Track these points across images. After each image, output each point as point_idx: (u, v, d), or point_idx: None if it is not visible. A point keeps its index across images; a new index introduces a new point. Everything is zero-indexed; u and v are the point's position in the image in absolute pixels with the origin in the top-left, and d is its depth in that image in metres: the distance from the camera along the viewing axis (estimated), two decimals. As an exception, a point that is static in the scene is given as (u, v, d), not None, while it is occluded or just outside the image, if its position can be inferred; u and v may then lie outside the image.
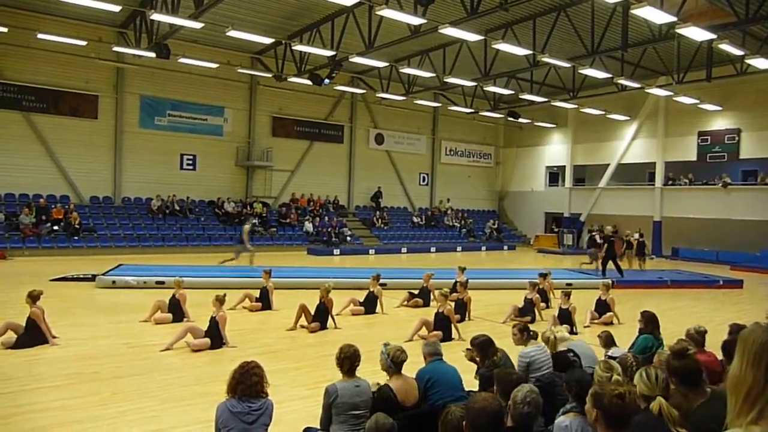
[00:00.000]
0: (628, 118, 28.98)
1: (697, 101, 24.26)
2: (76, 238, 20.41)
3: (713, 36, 15.48)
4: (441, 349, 5.07)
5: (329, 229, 25.98)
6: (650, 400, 3.07)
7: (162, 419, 5.53)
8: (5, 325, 8.00)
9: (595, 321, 10.96)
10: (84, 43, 20.06)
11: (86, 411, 5.64)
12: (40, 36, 19.11)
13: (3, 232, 19.50)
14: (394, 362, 4.57)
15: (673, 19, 14.25)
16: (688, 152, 27.16)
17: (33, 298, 8.15)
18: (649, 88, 22.92)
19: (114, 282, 13.47)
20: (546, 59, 18.85)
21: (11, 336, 7.95)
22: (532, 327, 9.59)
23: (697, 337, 5.25)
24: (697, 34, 15.14)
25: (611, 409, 2.84)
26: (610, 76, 21.16)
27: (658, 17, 14.10)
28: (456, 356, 5.95)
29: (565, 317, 10.05)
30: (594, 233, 20.85)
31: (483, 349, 5.18)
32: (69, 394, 6.13)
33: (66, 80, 21.92)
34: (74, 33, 20.11)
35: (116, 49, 20.84)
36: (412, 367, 4.97)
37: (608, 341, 6.43)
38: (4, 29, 18.84)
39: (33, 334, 7.99)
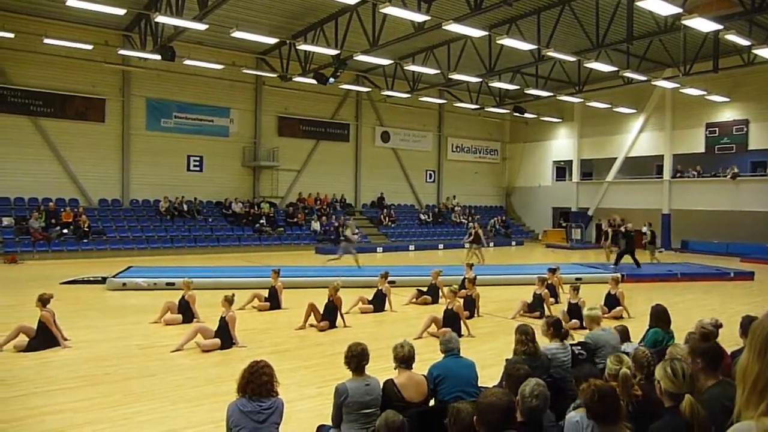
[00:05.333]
0: (635, 111, 28.82)
1: (705, 93, 24.08)
2: (85, 240, 20.54)
3: (719, 27, 15.35)
4: (457, 345, 5.05)
5: (337, 228, 26.00)
6: (676, 397, 2.95)
7: (173, 420, 5.55)
8: (17, 328, 8.07)
9: (605, 315, 10.90)
10: (90, 47, 20.14)
11: (98, 412, 5.67)
12: (47, 41, 19.20)
13: (13, 236, 19.66)
14: (395, 358, 4.58)
15: (679, 10, 14.15)
16: (696, 144, 26.97)
17: (43, 301, 8.20)
18: (656, 81, 22.79)
19: (124, 284, 13.54)
20: (551, 54, 18.76)
21: (23, 339, 8.01)
22: (539, 322, 9.53)
23: (710, 330, 5.19)
24: (703, 25, 15.03)
25: (591, 406, 2.98)
26: (615, 69, 21.03)
27: (664, 9, 13.99)
28: (468, 353, 5.93)
29: (575, 312, 10.02)
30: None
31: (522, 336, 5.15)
32: (81, 396, 6.17)
33: (73, 84, 22.05)
34: (80, 37, 20.20)
35: (122, 52, 20.92)
36: (421, 365, 4.96)
37: (623, 336, 6.37)
38: (11, 35, 18.95)
39: (44, 337, 8.05)
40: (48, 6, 19.54)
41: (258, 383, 3.92)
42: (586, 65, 20.95)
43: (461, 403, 3.25)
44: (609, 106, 27.70)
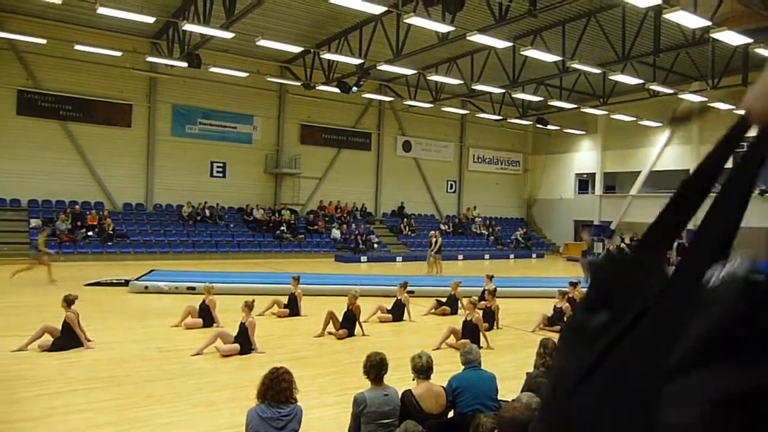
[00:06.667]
0: (661, 124, 28.44)
1: (733, 107, 23.67)
2: (109, 243, 20.87)
3: (749, 40, 15.14)
4: (477, 357, 5.02)
5: (356, 236, 26.05)
6: None
7: (193, 423, 5.60)
8: (43, 328, 8.22)
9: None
10: (119, 53, 20.58)
11: (120, 413, 5.74)
12: (78, 47, 19.66)
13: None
14: (413, 368, 4.57)
15: (708, 23, 13.96)
16: (723, 159, 26.47)
17: (68, 302, 8.35)
18: (683, 94, 22.49)
19: (146, 287, 13.72)
20: (575, 65, 18.65)
21: (48, 339, 8.16)
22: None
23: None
24: (732, 38, 14.83)
25: None
26: (641, 81, 20.81)
27: (692, 21, 13.84)
28: (487, 365, 5.88)
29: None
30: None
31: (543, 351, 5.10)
32: (103, 396, 6.26)
33: (101, 90, 22.50)
34: (110, 44, 20.65)
35: (149, 59, 21.33)
36: (440, 376, 4.94)
37: None
38: (44, 41, 19.44)
39: (68, 338, 8.18)
40: (79, 14, 19.95)
41: (277, 389, 3.94)
42: (611, 77, 20.78)
43: (486, 416, 3.22)
44: (634, 119, 27.38)
